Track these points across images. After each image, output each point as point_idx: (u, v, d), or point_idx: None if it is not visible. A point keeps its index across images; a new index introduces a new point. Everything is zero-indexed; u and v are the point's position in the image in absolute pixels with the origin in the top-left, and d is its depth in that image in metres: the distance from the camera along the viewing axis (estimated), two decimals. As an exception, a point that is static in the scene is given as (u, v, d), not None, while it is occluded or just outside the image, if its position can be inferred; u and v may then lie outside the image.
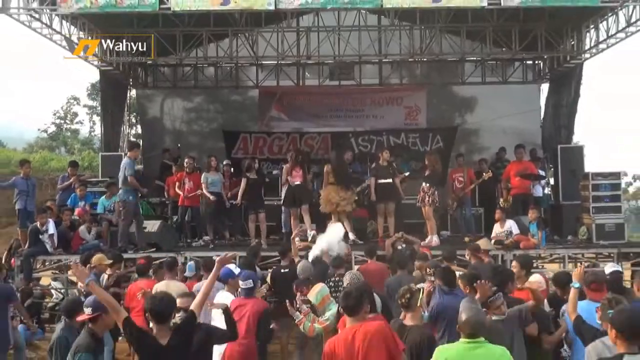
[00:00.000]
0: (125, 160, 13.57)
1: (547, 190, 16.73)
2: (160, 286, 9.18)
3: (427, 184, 13.56)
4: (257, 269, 10.58)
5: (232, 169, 16.42)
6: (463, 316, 5.41)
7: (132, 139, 22.76)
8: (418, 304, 6.38)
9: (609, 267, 8.79)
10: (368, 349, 5.62)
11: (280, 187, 14.99)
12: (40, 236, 12.73)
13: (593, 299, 6.69)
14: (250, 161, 15.11)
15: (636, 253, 13.57)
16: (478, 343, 5.32)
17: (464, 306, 5.58)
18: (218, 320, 7.49)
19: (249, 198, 14.23)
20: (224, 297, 8.05)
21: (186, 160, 15.27)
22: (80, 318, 6.33)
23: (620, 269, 9.04)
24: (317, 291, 7.73)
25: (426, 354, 5.78)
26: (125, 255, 11.95)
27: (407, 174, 14.76)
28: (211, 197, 14.42)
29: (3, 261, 13.21)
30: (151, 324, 5.93)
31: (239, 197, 14.24)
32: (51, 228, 12.92)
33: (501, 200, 15.10)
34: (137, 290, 9.18)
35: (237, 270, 8.68)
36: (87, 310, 6.23)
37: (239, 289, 8.22)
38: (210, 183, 14.66)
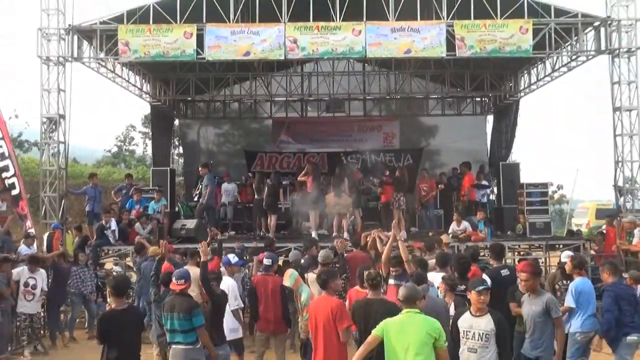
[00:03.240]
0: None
1: (491, 197, 16.75)
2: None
3: (396, 192, 13.51)
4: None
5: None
6: (400, 292, 5.13)
7: (175, 157, 22.76)
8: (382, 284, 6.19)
9: (564, 255, 8.59)
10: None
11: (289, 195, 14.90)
12: (105, 231, 12.65)
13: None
14: (276, 174, 14.93)
15: (559, 244, 13.58)
16: (413, 313, 4.94)
17: (404, 285, 5.33)
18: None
19: (271, 202, 14.01)
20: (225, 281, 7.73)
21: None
22: (177, 287, 6.19)
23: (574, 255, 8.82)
24: (289, 275, 7.41)
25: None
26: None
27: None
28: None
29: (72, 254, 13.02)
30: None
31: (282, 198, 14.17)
32: (113, 225, 12.86)
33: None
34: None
35: (234, 260, 8.41)
36: (181, 282, 6.18)
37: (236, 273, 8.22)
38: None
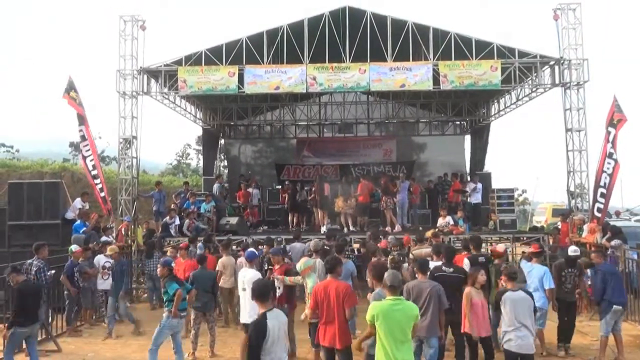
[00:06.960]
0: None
1: (474, 199, 16.44)
2: (222, 259, 8.95)
3: (385, 196, 13.35)
4: (299, 243, 10.44)
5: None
6: (386, 280, 4.60)
7: (222, 168, 22.86)
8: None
9: (571, 250, 8.20)
10: (337, 298, 5.27)
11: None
12: (169, 226, 12.74)
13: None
14: (293, 185, 15.10)
15: (523, 237, 13.39)
16: (398, 301, 4.48)
17: (387, 273, 4.69)
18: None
19: (293, 204, 14.18)
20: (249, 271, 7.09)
21: (242, 184, 15.31)
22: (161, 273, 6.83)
23: (578, 251, 8.06)
24: (303, 262, 6.63)
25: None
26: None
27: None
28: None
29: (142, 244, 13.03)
30: None
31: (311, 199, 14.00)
32: (177, 221, 12.87)
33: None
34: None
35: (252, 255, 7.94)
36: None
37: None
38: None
